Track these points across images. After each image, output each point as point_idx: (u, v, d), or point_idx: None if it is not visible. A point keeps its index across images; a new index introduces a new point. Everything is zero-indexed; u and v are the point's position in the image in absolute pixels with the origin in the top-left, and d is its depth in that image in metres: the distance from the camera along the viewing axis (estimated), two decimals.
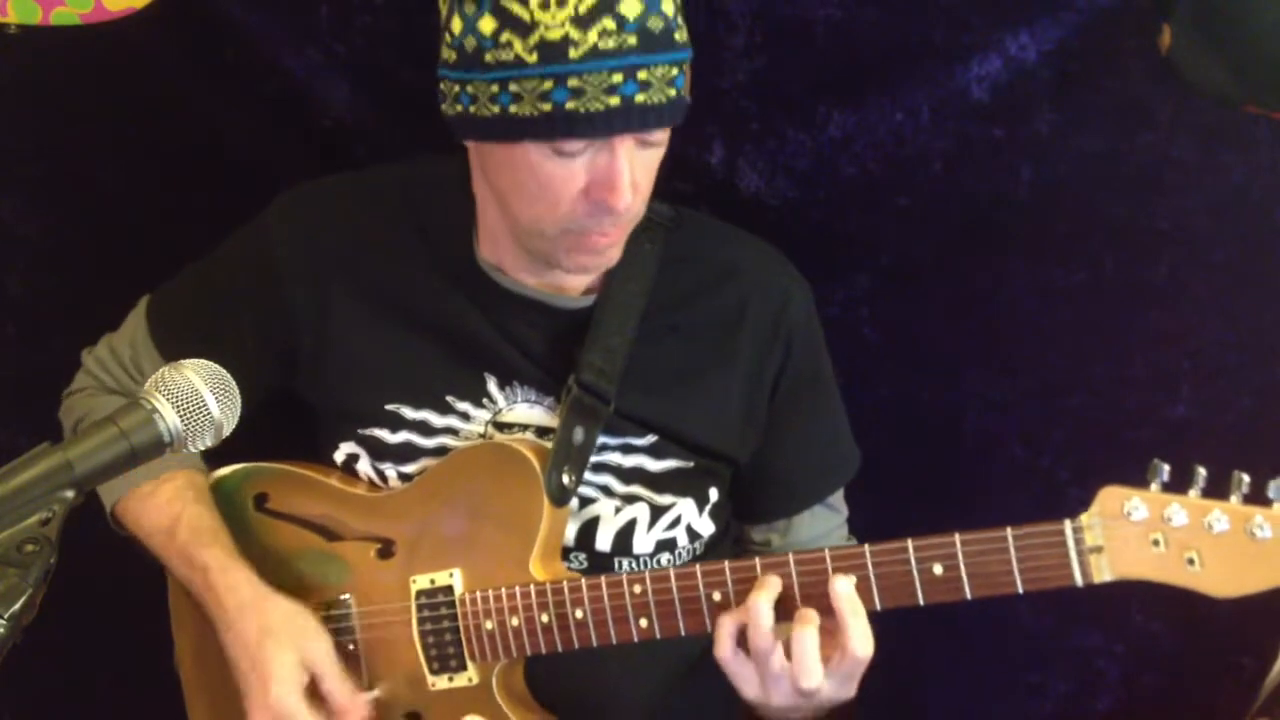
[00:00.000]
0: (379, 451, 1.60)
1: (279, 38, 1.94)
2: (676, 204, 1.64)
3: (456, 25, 1.37)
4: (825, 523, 1.68)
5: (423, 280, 1.57)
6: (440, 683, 1.55)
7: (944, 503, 1.95)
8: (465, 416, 1.58)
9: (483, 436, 1.58)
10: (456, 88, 1.38)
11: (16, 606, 0.97)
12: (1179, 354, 1.89)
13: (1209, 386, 1.88)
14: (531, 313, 1.55)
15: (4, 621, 0.96)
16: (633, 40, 1.31)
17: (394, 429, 1.59)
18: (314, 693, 1.53)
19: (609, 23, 1.30)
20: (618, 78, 1.31)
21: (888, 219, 1.92)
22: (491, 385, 1.57)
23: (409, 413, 1.58)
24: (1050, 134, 1.83)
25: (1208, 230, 1.83)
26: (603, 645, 1.48)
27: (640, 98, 1.32)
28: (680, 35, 1.37)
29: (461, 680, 1.54)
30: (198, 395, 1.09)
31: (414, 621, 1.55)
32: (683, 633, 1.45)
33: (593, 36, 1.30)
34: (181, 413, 1.08)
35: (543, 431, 1.58)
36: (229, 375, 1.12)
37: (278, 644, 1.51)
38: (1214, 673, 1.89)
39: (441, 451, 1.58)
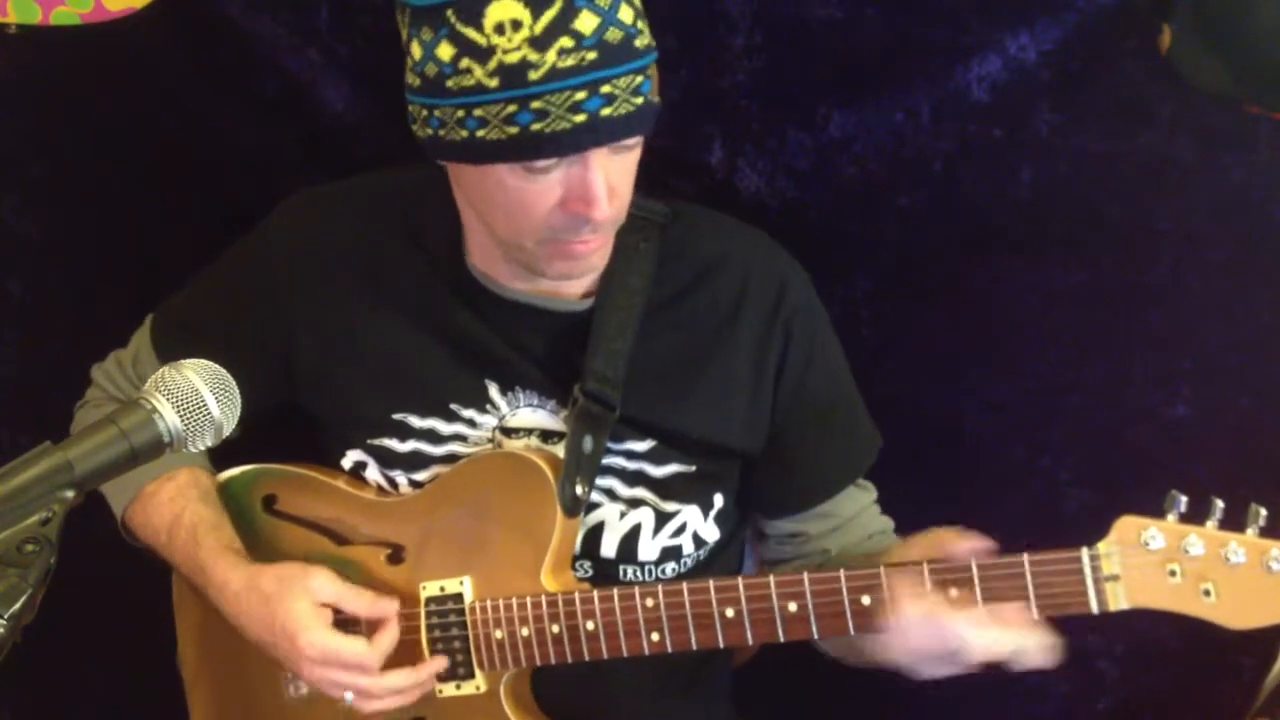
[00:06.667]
0: (388, 460, 1.60)
1: (279, 38, 1.94)
2: (679, 202, 1.64)
3: (416, 51, 1.36)
4: (860, 500, 1.66)
5: (421, 288, 1.57)
6: (448, 690, 1.55)
7: (944, 503, 1.94)
8: (471, 423, 1.58)
9: (491, 442, 1.58)
10: (425, 112, 1.38)
11: (16, 606, 0.97)
12: (1179, 354, 1.88)
13: (1209, 386, 1.88)
14: (530, 317, 1.55)
15: (4, 621, 0.96)
16: (592, 55, 1.30)
17: (402, 438, 1.59)
18: (342, 622, 1.53)
19: (566, 40, 1.29)
20: (581, 95, 1.30)
21: (888, 219, 1.92)
22: (494, 391, 1.57)
23: (416, 421, 1.58)
24: (1050, 134, 1.83)
25: (1208, 230, 1.83)
26: (613, 658, 1.47)
27: (606, 111, 1.31)
28: (642, 40, 1.35)
29: (469, 688, 1.54)
30: (198, 395, 1.09)
31: (423, 628, 1.55)
32: (694, 646, 1.45)
33: (551, 56, 1.28)
34: (181, 413, 1.08)
35: (547, 435, 1.58)
36: (229, 375, 1.12)
37: (284, 602, 1.51)
38: (1214, 673, 1.89)
39: (451, 459, 1.58)
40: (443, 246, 1.57)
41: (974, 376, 1.97)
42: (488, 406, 1.58)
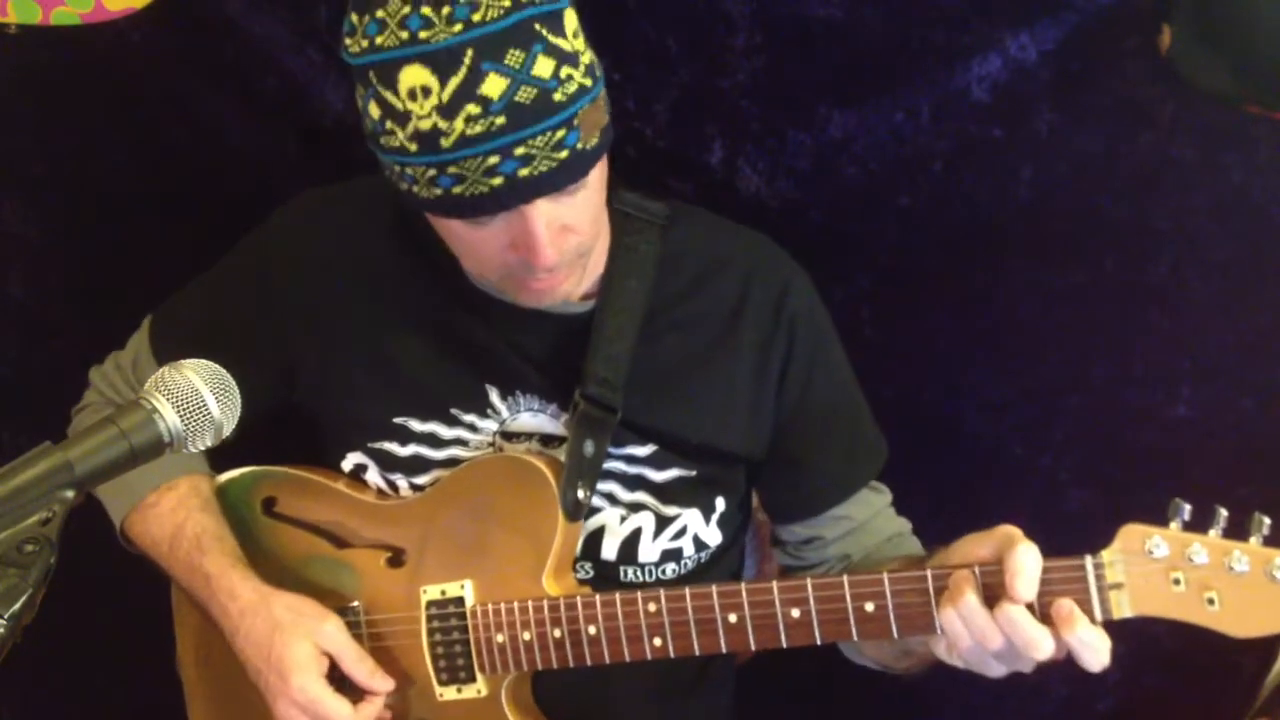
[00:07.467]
0: (389, 463, 1.60)
1: (279, 38, 1.94)
2: (678, 203, 1.64)
3: (359, 104, 1.37)
4: (875, 504, 1.65)
5: (421, 291, 1.57)
6: (448, 694, 1.54)
7: (944, 503, 1.95)
8: (472, 428, 1.58)
9: (491, 446, 1.58)
10: (377, 155, 1.39)
11: (16, 606, 0.97)
12: (1179, 354, 1.89)
13: (1209, 386, 1.89)
14: (529, 321, 1.54)
15: (4, 621, 0.96)
16: (500, 121, 1.27)
17: (403, 442, 1.59)
18: (335, 677, 1.52)
19: (473, 108, 1.26)
20: (493, 160, 1.28)
21: (888, 219, 1.92)
22: (494, 396, 1.57)
23: (416, 425, 1.58)
24: (1050, 134, 1.83)
25: (1208, 230, 1.83)
26: (615, 662, 1.47)
27: (524, 172, 1.29)
28: (565, 91, 1.29)
29: (470, 692, 1.54)
30: (197, 395, 1.09)
31: (423, 631, 1.54)
32: (697, 652, 1.44)
33: (459, 124, 1.27)
34: (181, 413, 1.08)
35: (548, 439, 1.57)
36: (229, 375, 1.12)
37: (289, 636, 1.50)
38: (1214, 673, 1.89)
39: (452, 463, 1.58)
40: (442, 250, 1.57)
41: (974, 376, 1.97)
42: (488, 411, 1.57)
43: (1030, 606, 1.28)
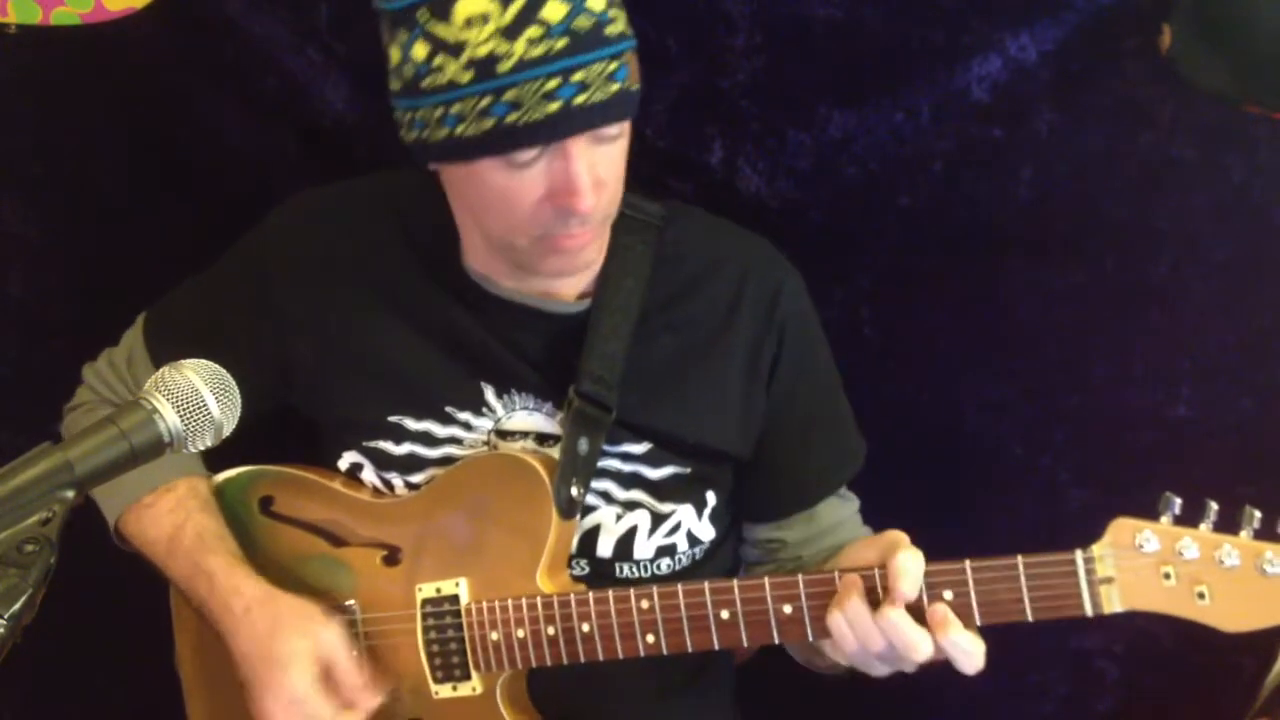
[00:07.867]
0: (384, 462, 1.60)
1: (279, 38, 1.94)
2: (675, 203, 1.64)
3: (395, 55, 1.37)
4: (841, 512, 1.66)
5: (417, 290, 1.57)
6: (444, 691, 1.55)
7: (944, 503, 1.95)
8: (467, 426, 1.58)
9: (486, 445, 1.58)
10: (408, 115, 1.39)
11: (16, 606, 0.97)
12: (1179, 354, 1.89)
13: (1209, 386, 1.88)
14: (526, 319, 1.55)
15: (4, 621, 0.96)
16: (561, 44, 1.30)
17: (398, 440, 1.59)
18: (326, 682, 1.52)
19: (534, 30, 1.29)
20: (553, 83, 1.30)
21: (888, 219, 1.92)
22: (489, 394, 1.57)
23: (411, 424, 1.58)
24: (1050, 134, 1.83)
25: (1208, 230, 1.83)
26: (608, 659, 1.47)
27: (580, 99, 1.32)
28: (614, 28, 1.35)
29: (465, 690, 1.54)
30: (197, 395, 1.09)
31: (419, 630, 1.55)
32: (690, 649, 1.45)
33: (520, 46, 1.29)
34: (181, 413, 1.08)
35: (543, 438, 1.58)
36: (228, 375, 1.12)
37: (289, 634, 1.51)
38: (1214, 673, 1.89)
39: (446, 461, 1.58)
40: (439, 248, 1.57)
41: (974, 376, 1.97)
42: (483, 409, 1.58)
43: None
